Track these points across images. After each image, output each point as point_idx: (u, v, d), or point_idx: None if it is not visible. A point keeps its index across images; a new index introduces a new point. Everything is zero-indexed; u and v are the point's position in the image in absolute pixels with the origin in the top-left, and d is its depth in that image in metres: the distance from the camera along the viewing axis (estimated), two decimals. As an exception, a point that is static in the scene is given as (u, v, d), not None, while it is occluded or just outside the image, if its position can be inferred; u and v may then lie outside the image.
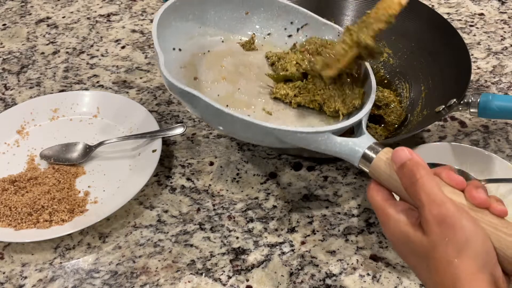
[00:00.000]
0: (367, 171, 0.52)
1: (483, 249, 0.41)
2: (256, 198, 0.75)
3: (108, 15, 1.14)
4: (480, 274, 0.40)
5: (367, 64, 0.70)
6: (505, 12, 1.09)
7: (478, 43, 1.01)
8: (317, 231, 0.70)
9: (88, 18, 1.13)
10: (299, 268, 0.66)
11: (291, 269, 0.66)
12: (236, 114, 0.57)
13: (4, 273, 0.67)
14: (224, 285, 0.65)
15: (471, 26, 1.06)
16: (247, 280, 0.65)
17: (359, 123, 0.60)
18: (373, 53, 0.62)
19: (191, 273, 0.66)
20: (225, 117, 0.57)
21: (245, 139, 0.64)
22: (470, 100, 0.72)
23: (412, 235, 0.44)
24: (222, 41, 0.74)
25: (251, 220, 0.72)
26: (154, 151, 0.78)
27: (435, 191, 0.43)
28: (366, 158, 0.52)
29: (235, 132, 0.61)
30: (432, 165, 0.70)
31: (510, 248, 0.42)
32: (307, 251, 0.68)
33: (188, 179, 0.78)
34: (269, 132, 0.56)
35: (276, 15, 0.77)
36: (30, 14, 1.16)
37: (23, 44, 1.07)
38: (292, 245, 0.69)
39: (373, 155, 0.51)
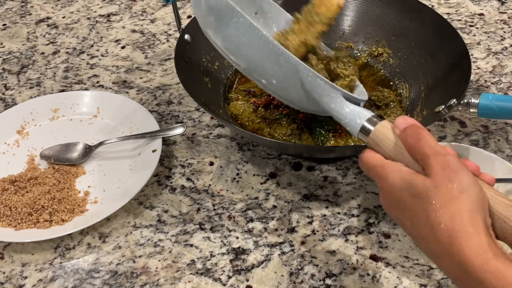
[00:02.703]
0: (367, 137, 0.53)
1: (480, 196, 0.44)
2: (256, 198, 0.75)
3: (108, 15, 1.14)
4: (478, 215, 0.42)
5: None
6: (505, 12, 1.09)
7: (478, 43, 1.01)
8: (317, 231, 0.70)
9: (88, 18, 1.13)
10: (299, 268, 0.66)
11: (291, 269, 0.66)
12: (268, 35, 0.58)
13: (4, 273, 0.67)
14: (224, 285, 0.65)
15: (471, 26, 1.06)
16: (247, 280, 0.65)
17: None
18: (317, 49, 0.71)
19: (191, 273, 0.66)
20: (255, 39, 0.59)
21: (267, 83, 0.65)
22: (470, 100, 0.72)
23: (414, 178, 0.46)
24: None
25: (251, 220, 0.72)
26: (154, 151, 0.78)
27: (438, 146, 0.46)
28: (369, 123, 0.54)
29: (258, 66, 0.62)
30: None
31: (499, 205, 0.45)
32: (307, 251, 0.68)
33: (188, 179, 0.78)
34: (294, 67, 0.58)
35: (281, 21, 0.79)
36: (30, 14, 1.16)
37: (23, 44, 1.07)
38: (292, 245, 0.69)
39: (377, 121, 0.54)
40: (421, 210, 0.44)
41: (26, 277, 0.67)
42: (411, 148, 0.48)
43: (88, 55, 1.03)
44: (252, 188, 0.76)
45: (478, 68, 0.95)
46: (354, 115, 0.55)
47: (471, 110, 0.72)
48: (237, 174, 0.78)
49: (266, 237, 0.70)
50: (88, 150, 0.80)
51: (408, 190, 0.45)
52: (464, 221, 0.41)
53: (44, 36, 1.09)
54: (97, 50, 1.04)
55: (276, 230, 0.71)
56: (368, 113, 0.54)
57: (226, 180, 0.77)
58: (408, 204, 0.45)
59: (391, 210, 0.49)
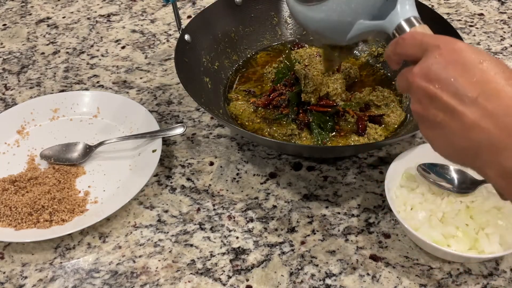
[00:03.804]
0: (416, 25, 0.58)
1: None
2: (256, 198, 0.75)
3: (108, 15, 1.14)
4: None
5: None
6: (505, 12, 1.09)
7: (478, 43, 1.01)
8: (317, 231, 0.70)
9: (88, 18, 1.13)
10: (299, 268, 0.66)
11: (291, 269, 0.66)
12: None
13: (4, 273, 0.67)
14: (224, 285, 0.65)
15: (471, 26, 1.06)
16: (247, 280, 0.65)
17: None
18: None
19: (191, 273, 0.66)
20: None
21: None
22: (470, 100, 0.71)
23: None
24: None
25: (251, 220, 0.72)
26: (154, 151, 0.78)
27: None
28: (417, 21, 0.59)
29: None
30: (432, 165, 0.70)
31: None
32: (307, 251, 0.68)
33: (188, 179, 0.78)
34: None
35: None
36: (30, 14, 1.16)
37: (23, 44, 1.07)
38: (292, 245, 0.69)
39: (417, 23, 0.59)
40: (497, 70, 0.47)
41: (26, 277, 0.67)
42: None
43: (88, 55, 1.03)
44: (252, 188, 0.76)
45: (478, 68, 0.95)
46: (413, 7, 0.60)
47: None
48: (237, 174, 0.78)
49: (266, 237, 0.70)
50: (88, 150, 0.80)
51: (480, 51, 0.48)
52: None
53: (44, 36, 1.09)
54: (97, 50, 1.04)
55: (276, 230, 0.71)
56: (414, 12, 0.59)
57: (226, 180, 0.77)
58: (482, 64, 0.47)
59: (441, 75, 0.49)
